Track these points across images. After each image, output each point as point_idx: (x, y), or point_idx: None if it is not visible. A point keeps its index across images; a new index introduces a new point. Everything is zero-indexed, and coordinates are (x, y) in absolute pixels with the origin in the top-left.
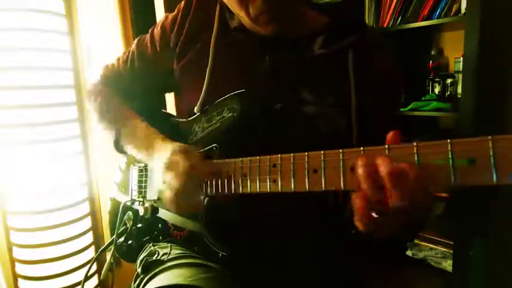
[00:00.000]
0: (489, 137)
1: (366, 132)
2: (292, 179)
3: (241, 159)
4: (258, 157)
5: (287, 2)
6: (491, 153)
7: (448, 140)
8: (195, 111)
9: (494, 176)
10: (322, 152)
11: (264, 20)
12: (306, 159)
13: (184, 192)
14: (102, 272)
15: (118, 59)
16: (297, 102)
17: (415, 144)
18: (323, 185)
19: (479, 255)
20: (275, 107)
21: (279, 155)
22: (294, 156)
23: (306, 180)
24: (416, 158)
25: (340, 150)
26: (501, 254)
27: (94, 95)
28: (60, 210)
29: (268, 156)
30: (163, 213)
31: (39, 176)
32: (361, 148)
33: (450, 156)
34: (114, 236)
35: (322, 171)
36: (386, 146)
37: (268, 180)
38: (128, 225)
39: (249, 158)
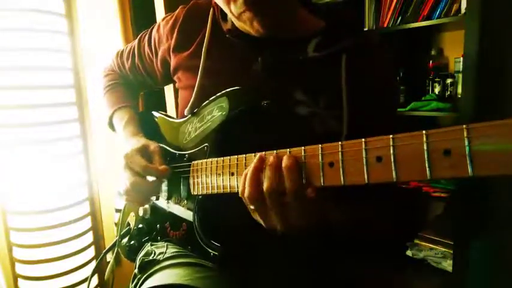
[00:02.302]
0: (464, 126)
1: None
2: None
3: (229, 157)
4: (244, 155)
5: (271, 1)
6: (466, 143)
7: (424, 131)
8: (186, 112)
9: (470, 167)
10: (302, 147)
11: (247, 18)
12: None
13: (135, 190)
14: (106, 273)
15: (124, 50)
16: (286, 102)
17: (391, 136)
18: (304, 181)
19: (479, 255)
20: (262, 104)
21: (264, 152)
22: (277, 153)
23: None
24: (392, 151)
25: (320, 146)
26: (501, 254)
27: (106, 72)
28: (60, 210)
29: (253, 154)
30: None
31: (39, 176)
32: (339, 143)
33: (425, 148)
34: (117, 237)
35: (304, 166)
36: (363, 140)
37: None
38: (132, 226)
39: (236, 156)
